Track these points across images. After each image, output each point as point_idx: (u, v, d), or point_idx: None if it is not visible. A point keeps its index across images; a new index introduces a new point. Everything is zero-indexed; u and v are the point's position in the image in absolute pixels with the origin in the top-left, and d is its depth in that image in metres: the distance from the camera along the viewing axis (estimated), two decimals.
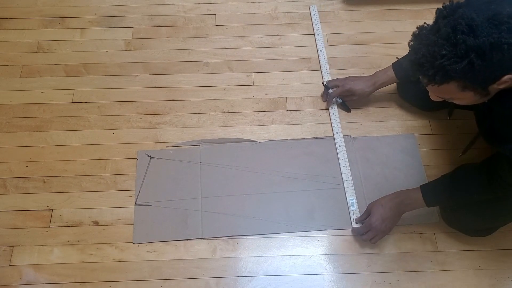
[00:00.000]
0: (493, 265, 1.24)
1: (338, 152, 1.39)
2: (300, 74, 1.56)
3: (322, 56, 1.59)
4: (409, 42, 0.88)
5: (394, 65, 1.35)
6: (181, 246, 1.26)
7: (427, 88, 0.92)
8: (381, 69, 1.39)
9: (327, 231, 1.28)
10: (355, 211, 1.29)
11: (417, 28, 0.87)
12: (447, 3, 0.86)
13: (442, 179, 1.16)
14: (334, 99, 1.46)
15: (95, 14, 1.70)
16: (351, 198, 1.31)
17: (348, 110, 1.47)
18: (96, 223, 1.29)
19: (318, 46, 1.61)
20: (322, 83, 1.51)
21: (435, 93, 0.93)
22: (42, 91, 1.51)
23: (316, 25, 1.66)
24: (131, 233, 1.27)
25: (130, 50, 1.61)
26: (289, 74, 1.56)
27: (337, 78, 1.48)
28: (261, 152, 1.40)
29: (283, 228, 1.28)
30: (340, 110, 1.48)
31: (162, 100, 1.50)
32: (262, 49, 1.62)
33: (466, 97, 0.90)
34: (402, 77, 1.34)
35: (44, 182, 1.35)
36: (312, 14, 1.70)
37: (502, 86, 0.85)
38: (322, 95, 1.50)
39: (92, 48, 1.62)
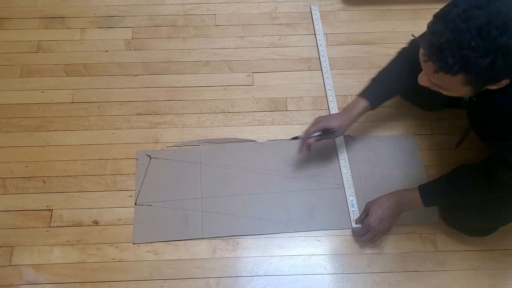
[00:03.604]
0: (493, 265, 1.24)
1: (338, 152, 1.39)
2: (300, 74, 1.56)
3: (323, 56, 1.58)
4: (429, 23, 0.83)
5: (364, 94, 1.24)
6: (181, 246, 1.26)
7: (428, 74, 0.87)
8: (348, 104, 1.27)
9: (327, 231, 1.28)
10: (355, 212, 1.29)
11: (441, 10, 0.82)
12: None
13: (440, 179, 1.16)
14: (309, 139, 1.24)
15: (95, 14, 1.70)
16: (351, 198, 1.31)
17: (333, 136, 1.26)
18: (96, 223, 1.29)
19: (319, 46, 1.61)
20: (291, 138, 1.40)
21: (434, 80, 0.88)
22: (42, 91, 1.51)
23: (317, 24, 1.66)
24: (131, 233, 1.27)
25: (130, 50, 1.61)
26: (289, 74, 1.56)
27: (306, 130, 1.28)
28: (261, 152, 1.40)
29: (283, 228, 1.28)
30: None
31: (162, 100, 1.50)
32: (262, 49, 1.62)
33: (461, 91, 0.87)
34: (379, 103, 1.24)
35: (44, 182, 1.35)
36: (313, 14, 1.70)
37: (494, 87, 0.84)
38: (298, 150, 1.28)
39: (92, 48, 1.62)
